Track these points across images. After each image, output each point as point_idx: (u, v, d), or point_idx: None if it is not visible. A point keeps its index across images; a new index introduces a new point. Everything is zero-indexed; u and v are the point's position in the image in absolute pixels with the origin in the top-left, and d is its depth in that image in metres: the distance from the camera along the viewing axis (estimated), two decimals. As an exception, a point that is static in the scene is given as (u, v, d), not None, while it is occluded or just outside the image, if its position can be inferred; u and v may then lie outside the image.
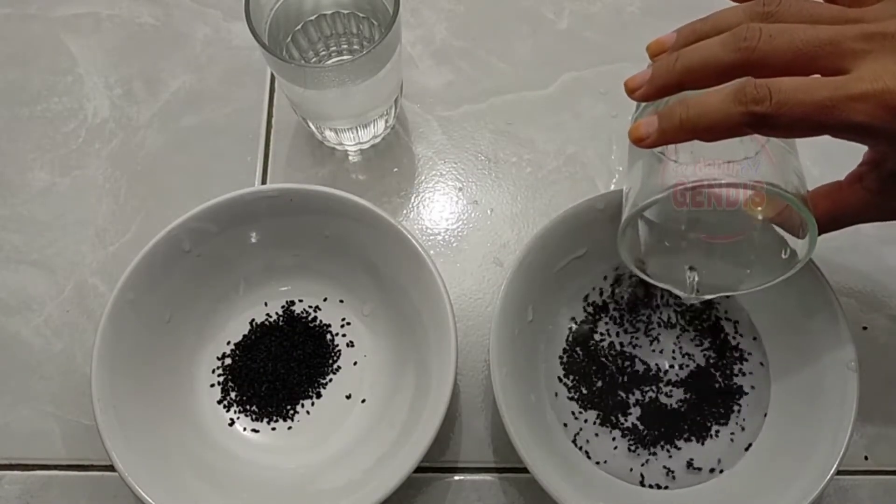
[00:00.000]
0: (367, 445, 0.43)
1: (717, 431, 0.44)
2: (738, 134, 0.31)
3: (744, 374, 0.45)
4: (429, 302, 0.42)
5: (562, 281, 0.46)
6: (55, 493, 0.45)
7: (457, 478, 0.45)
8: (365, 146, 0.52)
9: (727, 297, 0.46)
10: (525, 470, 0.39)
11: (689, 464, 0.43)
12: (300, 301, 0.47)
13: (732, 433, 0.44)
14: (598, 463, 0.43)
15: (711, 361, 0.45)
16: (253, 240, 0.46)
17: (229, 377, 0.46)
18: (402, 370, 0.45)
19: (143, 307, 0.43)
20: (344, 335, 0.47)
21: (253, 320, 0.47)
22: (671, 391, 0.45)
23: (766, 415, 0.44)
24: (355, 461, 0.42)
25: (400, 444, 0.41)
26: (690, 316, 0.46)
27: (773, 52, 0.31)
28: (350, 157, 0.52)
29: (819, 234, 0.34)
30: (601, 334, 0.46)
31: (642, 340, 0.46)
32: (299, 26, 0.47)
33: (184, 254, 0.44)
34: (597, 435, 0.44)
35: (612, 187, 0.51)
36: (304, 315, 0.47)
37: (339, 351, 0.46)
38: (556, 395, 0.45)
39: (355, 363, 0.46)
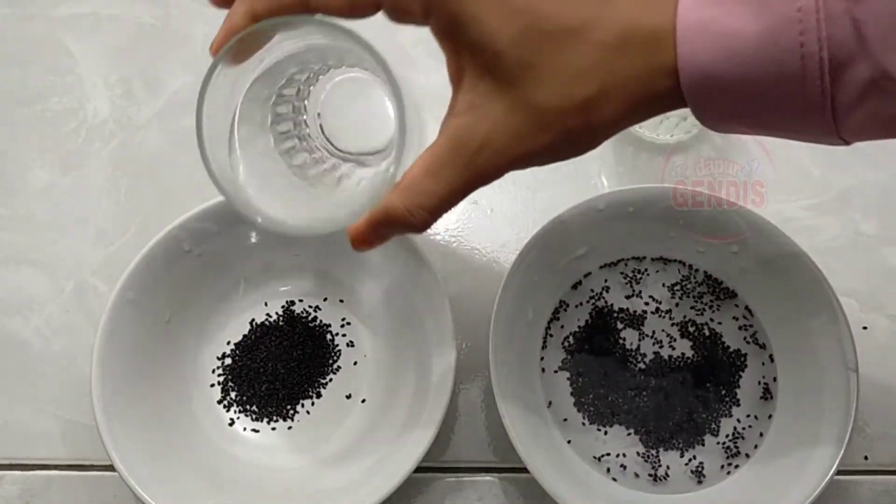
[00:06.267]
0: (367, 445, 0.43)
1: (718, 432, 0.44)
2: None
3: (743, 375, 0.45)
4: (429, 302, 0.42)
5: (562, 281, 0.46)
6: (55, 493, 0.45)
7: (457, 478, 0.44)
8: (365, 146, 0.51)
9: (726, 297, 0.46)
10: (525, 470, 0.39)
11: (689, 464, 0.43)
12: (300, 301, 0.47)
13: (733, 434, 0.44)
14: (597, 463, 0.43)
15: (711, 363, 0.45)
16: (253, 240, 0.46)
17: (229, 377, 0.46)
18: (402, 370, 0.45)
19: (143, 307, 0.43)
20: (344, 335, 0.47)
21: (253, 320, 0.47)
22: (671, 392, 0.45)
23: (766, 415, 0.44)
24: (355, 461, 0.42)
25: (400, 444, 0.41)
26: (691, 318, 0.46)
27: None
28: (350, 157, 0.52)
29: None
30: (601, 335, 0.46)
31: (642, 341, 0.46)
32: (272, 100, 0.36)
33: (184, 254, 0.44)
34: (596, 435, 0.44)
35: (612, 187, 0.51)
36: (304, 315, 0.47)
37: (339, 351, 0.46)
38: (556, 395, 0.45)
39: (355, 363, 0.46)
